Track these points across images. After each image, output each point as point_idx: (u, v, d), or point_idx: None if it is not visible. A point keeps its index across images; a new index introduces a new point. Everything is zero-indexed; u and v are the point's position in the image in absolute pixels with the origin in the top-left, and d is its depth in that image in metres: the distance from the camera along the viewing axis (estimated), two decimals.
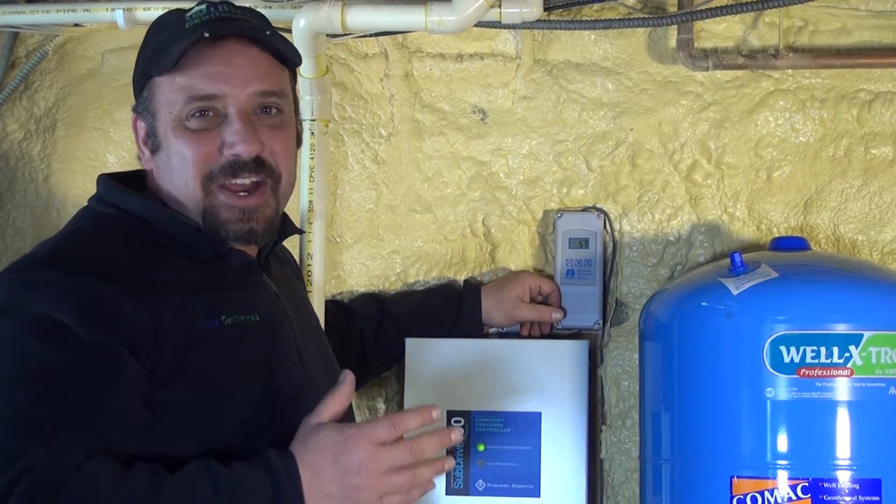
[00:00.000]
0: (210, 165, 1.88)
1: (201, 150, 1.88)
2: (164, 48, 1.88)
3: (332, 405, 1.80)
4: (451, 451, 2.47)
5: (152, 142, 1.93)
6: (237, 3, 1.98)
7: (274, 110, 1.93)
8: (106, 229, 1.90)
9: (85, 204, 2.00)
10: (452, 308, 2.56)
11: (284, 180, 1.96)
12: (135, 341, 1.74)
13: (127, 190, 1.94)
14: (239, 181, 1.89)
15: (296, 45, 2.36)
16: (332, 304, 2.54)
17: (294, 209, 2.53)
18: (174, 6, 2.30)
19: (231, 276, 1.93)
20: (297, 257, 2.45)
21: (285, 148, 1.95)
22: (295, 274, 2.30)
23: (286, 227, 2.10)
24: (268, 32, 1.94)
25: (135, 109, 1.97)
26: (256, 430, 1.84)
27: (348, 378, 1.83)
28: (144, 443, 1.74)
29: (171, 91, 1.88)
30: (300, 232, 2.20)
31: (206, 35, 1.86)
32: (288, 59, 1.98)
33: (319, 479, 1.72)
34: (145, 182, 1.99)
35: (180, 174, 1.90)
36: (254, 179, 1.90)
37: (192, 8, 1.92)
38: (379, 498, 1.75)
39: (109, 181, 1.98)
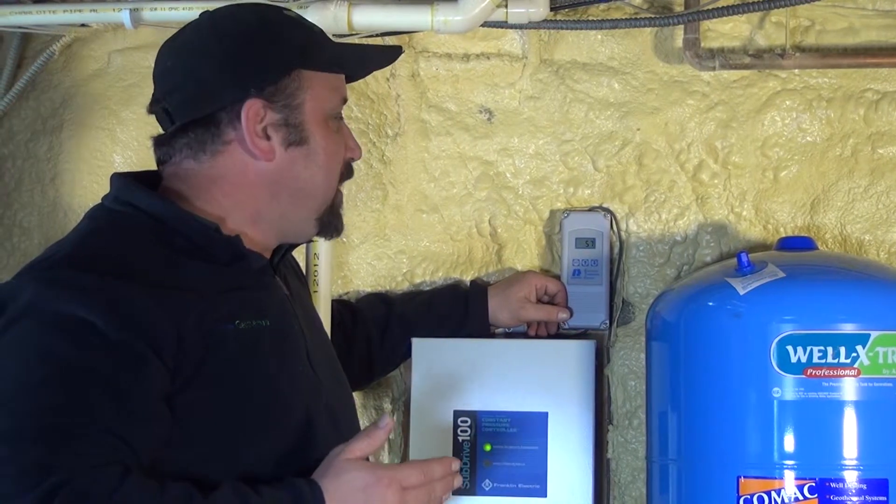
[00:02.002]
0: (340, 168, 1.99)
1: (342, 153, 1.99)
2: (319, 45, 1.96)
3: (364, 446, 1.82)
4: (458, 453, 2.48)
5: (291, 133, 1.90)
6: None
7: None
8: (123, 229, 1.88)
9: (96, 203, 1.97)
10: (459, 308, 2.56)
11: None
12: (159, 343, 1.73)
13: (143, 189, 1.92)
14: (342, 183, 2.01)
15: None
16: (338, 304, 2.54)
17: None
18: (181, 6, 2.31)
19: (245, 278, 1.92)
20: (303, 257, 2.45)
21: None
22: (299, 279, 2.29)
23: None
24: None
25: (259, 95, 1.88)
26: (272, 434, 1.84)
27: (388, 425, 1.85)
28: (167, 448, 1.74)
29: (326, 88, 1.94)
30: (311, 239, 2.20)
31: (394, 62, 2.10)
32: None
33: None
34: (158, 182, 1.96)
35: (328, 171, 1.95)
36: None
37: (303, 20, 2.00)
38: None
39: (125, 179, 1.95)
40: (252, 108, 1.88)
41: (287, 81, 1.90)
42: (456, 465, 1.89)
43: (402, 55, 2.63)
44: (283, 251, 2.04)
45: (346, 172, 2.00)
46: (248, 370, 1.84)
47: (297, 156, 1.92)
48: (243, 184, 1.92)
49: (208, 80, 1.90)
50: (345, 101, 1.99)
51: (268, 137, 1.90)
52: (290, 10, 1.99)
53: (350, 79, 2.04)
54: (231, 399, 1.81)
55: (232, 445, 1.80)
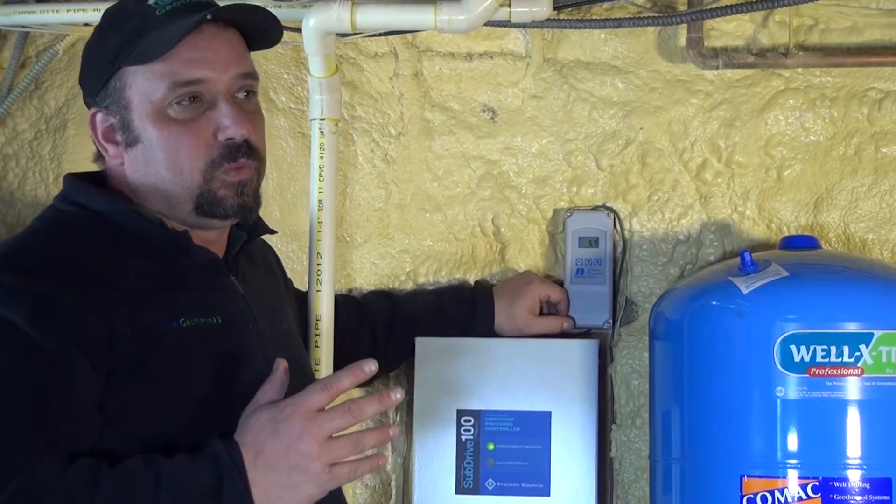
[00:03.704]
0: (209, 154, 1.88)
1: (197, 140, 1.87)
2: (139, 36, 1.86)
3: (268, 391, 1.79)
4: (462, 452, 2.48)
5: (125, 135, 1.90)
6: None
7: (250, 94, 1.94)
8: (67, 228, 1.89)
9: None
10: (466, 314, 2.54)
11: (264, 164, 1.97)
12: (88, 344, 1.73)
13: (90, 187, 1.93)
14: (234, 164, 1.89)
15: (305, 44, 2.38)
16: (344, 300, 2.53)
17: (303, 208, 2.53)
18: (178, 5, 2.31)
19: (194, 275, 1.92)
20: (307, 258, 2.44)
21: (262, 133, 1.97)
22: (271, 274, 2.26)
23: (257, 226, 2.10)
24: (261, 12, 1.95)
25: (96, 104, 1.93)
26: (209, 434, 1.80)
27: (282, 366, 1.81)
28: (99, 446, 1.73)
29: (149, 79, 1.86)
30: (271, 232, 2.17)
31: (209, 17, 1.85)
32: (274, 35, 2.00)
33: (263, 456, 1.72)
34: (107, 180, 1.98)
35: (173, 165, 1.88)
36: (243, 161, 1.90)
37: (140, 8, 1.89)
38: (326, 466, 1.73)
39: (73, 179, 1.96)
40: (94, 117, 1.94)
41: (114, 83, 1.90)
42: (369, 366, 1.79)
43: (407, 55, 2.65)
44: (238, 248, 2.02)
45: (228, 153, 1.88)
46: (189, 369, 1.83)
47: (137, 155, 1.90)
48: (128, 184, 1.94)
49: (82, 92, 1.99)
50: (184, 83, 1.85)
51: (116, 142, 1.92)
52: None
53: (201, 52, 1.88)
54: (169, 398, 1.80)
55: (168, 445, 1.77)
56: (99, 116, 1.93)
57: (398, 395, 1.81)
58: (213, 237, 1.98)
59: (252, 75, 1.94)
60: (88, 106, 1.96)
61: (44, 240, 1.87)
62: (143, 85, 1.87)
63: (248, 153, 1.90)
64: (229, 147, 1.88)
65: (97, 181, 1.97)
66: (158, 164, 1.89)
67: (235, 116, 1.88)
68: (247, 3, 1.98)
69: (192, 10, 1.87)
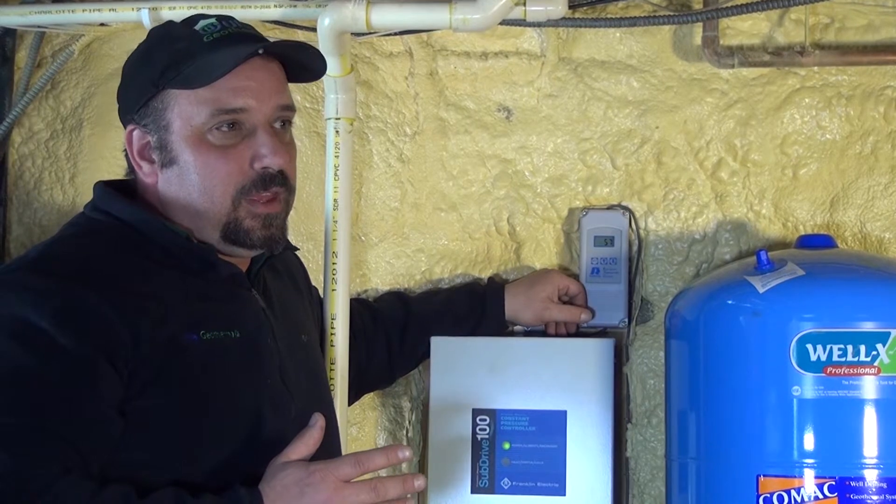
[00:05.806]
0: (242, 181, 1.89)
1: (232, 167, 1.89)
2: (185, 61, 1.88)
3: (300, 448, 1.82)
4: (477, 451, 2.48)
5: (161, 155, 1.91)
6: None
7: (286, 124, 1.96)
8: (95, 236, 1.91)
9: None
10: (476, 309, 2.55)
11: (293, 196, 1.99)
12: (112, 350, 1.75)
13: (120, 198, 1.94)
14: (266, 193, 1.91)
15: (320, 43, 2.38)
16: (358, 305, 2.54)
17: (319, 207, 2.53)
18: (199, 6, 2.32)
19: (217, 288, 1.93)
20: (322, 257, 2.44)
21: (294, 164, 1.99)
22: (294, 286, 2.26)
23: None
24: (310, 51, 1.98)
25: (133, 121, 1.94)
26: (229, 446, 1.85)
27: (318, 423, 1.84)
28: (118, 451, 1.75)
29: (192, 103, 1.88)
30: (294, 249, 2.18)
31: (260, 52, 1.88)
32: (318, 72, 2.02)
33: None
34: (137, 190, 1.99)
35: (205, 189, 1.89)
36: (276, 190, 1.92)
37: (199, 22, 1.92)
38: None
39: (104, 188, 1.98)
40: (131, 134, 1.95)
41: (155, 103, 1.91)
42: (403, 452, 1.85)
43: (422, 54, 2.65)
44: (261, 263, 2.03)
45: (261, 182, 1.90)
46: (207, 381, 1.85)
47: (171, 176, 1.92)
48: (159, 200, 1.95)
49: (119, 106, 2.00)
50: (226, 111, 1.88)
51: (152, 160, 1.93)
52: (185, 22, 1.94)
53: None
54: (186, 409, 1.82)
55: (184, 454, 1.80)
56: (136, 133, 1.94)
57: (420, 482, 1.85)
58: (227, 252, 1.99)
59: (291, 107, 1.96)
60: (125, 122, 1.97)
61: (73, 246, 1.89)
62: (185, 108, 1.88)
63: (281, 182, 1.92)
64: (263, 176, 1.91)
65: (127, 190, 1.99)
66: (191, 186, 1.90)
67: (273, 146, 1.90)
68: (297, 41, 2.01)
69: (238, 40, 1.90)
